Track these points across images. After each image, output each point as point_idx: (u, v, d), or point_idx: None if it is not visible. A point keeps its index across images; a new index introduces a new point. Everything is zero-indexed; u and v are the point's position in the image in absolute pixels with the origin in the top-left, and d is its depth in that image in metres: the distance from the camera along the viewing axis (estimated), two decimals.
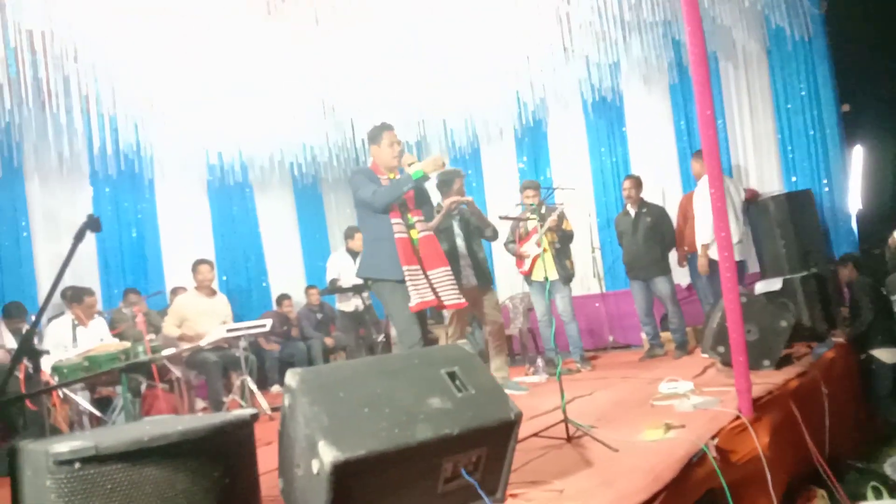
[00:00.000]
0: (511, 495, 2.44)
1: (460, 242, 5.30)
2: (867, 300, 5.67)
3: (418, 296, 3.88)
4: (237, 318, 6.70)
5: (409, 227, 4.04)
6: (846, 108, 7.13)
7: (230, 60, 6.20)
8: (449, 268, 4.13)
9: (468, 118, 8.63)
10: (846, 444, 4.53)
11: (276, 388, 7.09)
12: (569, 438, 3.24)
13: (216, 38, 5.91)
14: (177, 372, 5.48)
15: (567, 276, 6.16)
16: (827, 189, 7.03)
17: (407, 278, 3.88)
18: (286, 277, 9.45)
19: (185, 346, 5.63)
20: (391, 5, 6.09)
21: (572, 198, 6.51)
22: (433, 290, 3.96)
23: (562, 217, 6.03)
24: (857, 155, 7.19)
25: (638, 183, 6.43)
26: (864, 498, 3.67)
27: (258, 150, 8.45)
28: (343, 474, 1.98)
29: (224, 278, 8.70)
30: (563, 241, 6.09)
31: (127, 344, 5.04)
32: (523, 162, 9.12)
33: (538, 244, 6.07)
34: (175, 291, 7.27)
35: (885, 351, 5.59)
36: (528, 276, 6.26)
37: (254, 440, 1.57)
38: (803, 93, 7.16)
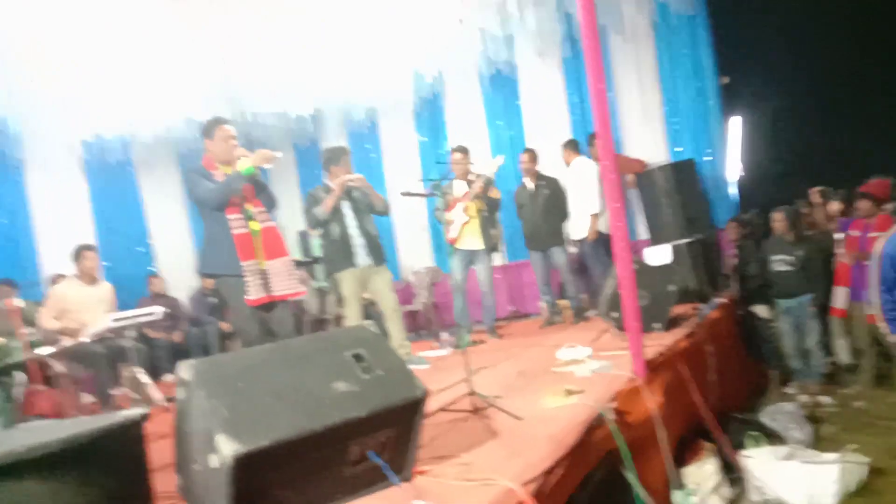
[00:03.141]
0: (419, 472, 2.44)
1: (351, 223, 5.20)
2: (752, 259, 6.08)
3: (255, 291, 3.92)
4: (122, 307, 6.31)
5: (249, 218, 4.02)
6: (725, 80, 7.53)
7: (109, 29, 5.76)
8: (289, 258, 4.17)
9: (365, 90, 8.45)
10: (729, 398, 4.86)
11: (168, 377, 6.79)
12: (474, 410, 3.28)
13: (94, 4, 5.46)
14: (59, 367, 5.09)
15: (491, 246, 6.16)
16: (709, 158, 7.43)
17: (245, 274, 3.90)
18: (176, 262, 9.01)
19: (67, 339, 5.25)
20: None
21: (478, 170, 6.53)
22: (269, 283, 3.99)
23: (488, 184, 5.99)
24: (736, 125, 7.64)
25: (534, 156, 6.54)
26: (746, 447, 3.96)
27: (141, 126, 7.92)
28: (244, 467, 1.90)
29: (106, 264, 8.15)
30: (490, 208, 6.08)
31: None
32: (423, 135, 9.07)
33: (465, 211, 6.02)
34: (55, 280, 6.75)
35: (763, 307, 6.03)
36: (454, 244, 6.15)
37: (144, 441, 1.46)
38: (687, 65, 7.47)
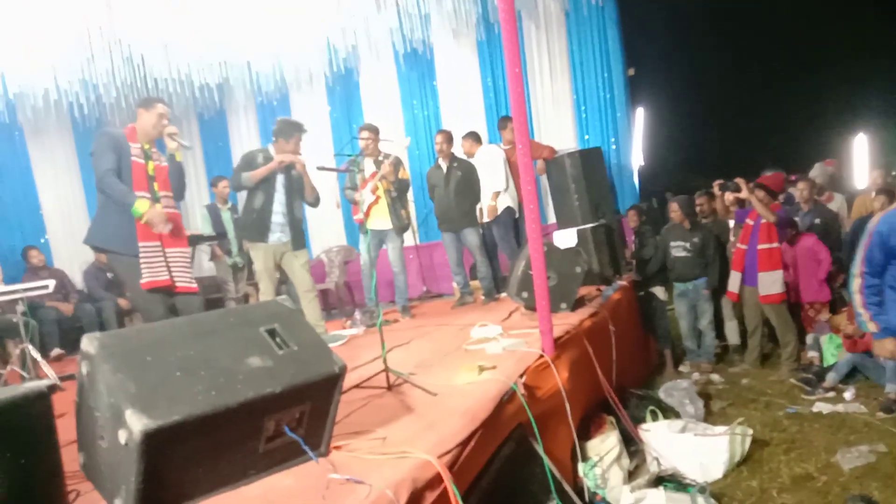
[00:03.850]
0: (335, 447, 2.43)
1: (279, 198, 5.08)
2: (651, 244, 6.39)
3: (150, 274, 3.84)
4: (10, 280, 5.89)
5: (155, 200, 3.96)
6: (632, 71, 7.83)
7: None
8: (187, 249, 4.15)
9: (276, 62, 8.21)
10: (630, 375, 5.11)
11: (57, 352, 6.42)
12: (389, 387, 3.29)
13: None
14: None
15: (401, 227, 6.15)
16: (614, 147, 7.72)
17: (141, 255, 3.83)
18: (69, 233, 8.49)
19: None
20: None
21: (390, 149, 6.50)
22: (168, 269, 3.93)
23: (397, 165, 5.98)
24: (640, 116, 7.97)
25: (449, 137, 6.57)
26: (645, 420, 4.18)
27: (29, 85, 7.36)
28: (155, 442, 1.83)
29: None
30: (399, 189, 6.05)
31: None
32: (336, 111, 8.92)
33: (373, 192, 5.98)
34: None
35: (660, 289, 6.36)
36: (362, 224, 6.12)
37: (52, 414, 1.38)
38: (596, 55, 7.70)
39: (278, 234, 5.06)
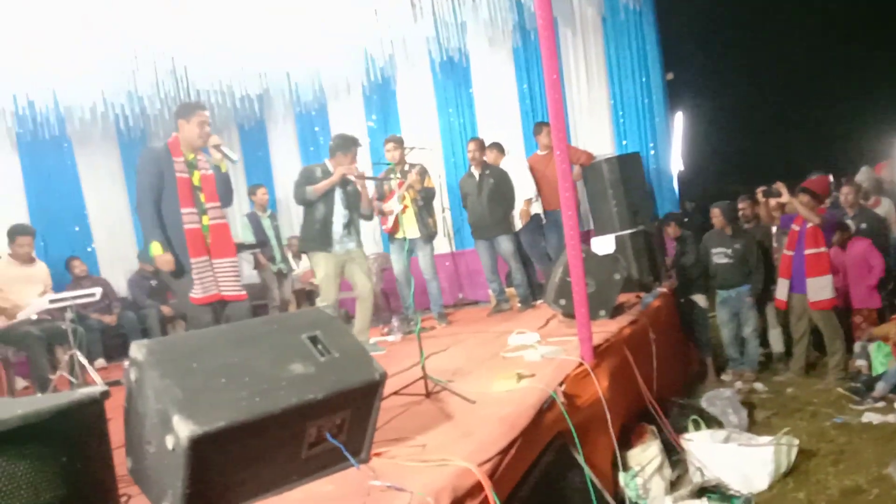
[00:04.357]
0: (375, 454, 2.44)
1: (339, 209, 5.19)
2: (692, 251, 6.29)
3: (202, 290, 3.88)
4: (56, 289, 6.07)
5: (202, 212, 3.98)
6: (670, 76, 7.72)
7: None
8: (235, 259, 4.16)
9: (314, 72, 8.32)
10: (670, 383, 5.03)
11: (101, 361, 6.58)
12: (428, 394, 3.30)
13: None
14: None
15: (429, 234, 6.24)
16: (653, 152, 7.62)
17: (193, 271, 3.87)
18: (114, 242, 8.72)
19: (1, 319, 5.02)
20: None
21: (423, 158, 6.56)
22: (216, 282, 3.97)
23: (423, 174, 6.06)
24: (679, 120, 7.86)
25: (482, 145, 6.58)
26: (687, 430, 4.11)
27: (77, 99, 7.60)
28: (201, 448, 1.87)
29: (43, 244, 7.82)
30: (425, 198, 6.12)
31: None
32: (372, 120, 8.99)
33: (401, 201, 6.06)
34: None
35: (701, 297, 6.25)
36: (391, 233, 6.25)
37: (105, 419, 1.42)
38: (634, 60, 7.62)
39: (341, 243, 5.17)
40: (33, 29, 5.88)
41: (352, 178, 5.18)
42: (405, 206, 6.06)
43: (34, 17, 5.74)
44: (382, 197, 6.10)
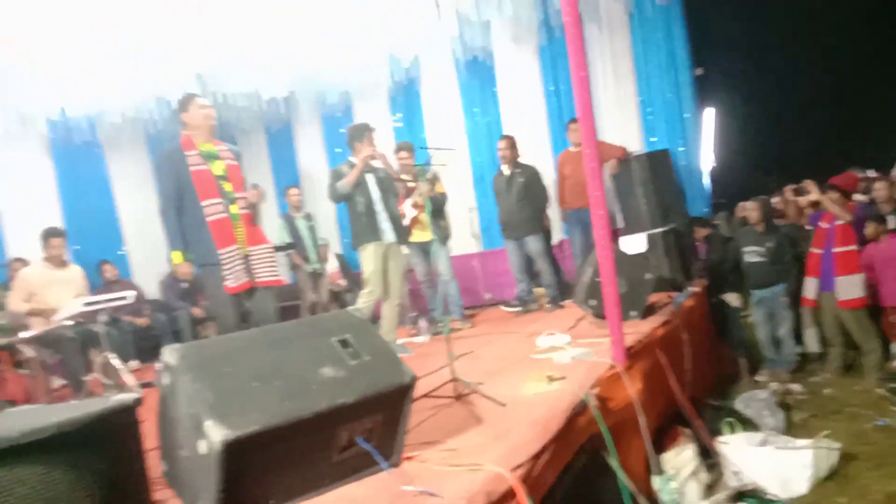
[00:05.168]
0: (406, 458, 2.42)
1: (376, 198, 5.17)
2: (721, 250, 6.18)
3: (233, 279, 3.84)
4: (91, 291, 6.16)
5: (230, 202, 3.93)
6: (699, 71, 7.59)
7: (74, 3, 5.56)
8: (270, 245, 4.12)
9: (340, 74, 8.34)
10: (704, 385, 4.94)
11: (134, 363, 6.66)
12: (457, 397, 3.27)
13: None
14: (29, 352, 4.94)
15: (443, 237, 6.25)
16: (682, 149, 7.50)
17: (223, 261, 3.82)
18: (145, 245, 8.83)
19: (36, 321, 5.10)
20: None
21: (448, 158, 6.51)
22: (249, 270, 3.92)
23: (434, 180, 6.08)
24: (709, 116, 7.73)
25: (512, 143, 6.53)
26: (722, 433, 4.03)
27: (108, 104, 7.71)
28: (233, 452, 1.86)
29: (77, 247, 7.95)
30: (436, 203, 6.13)
31: None
32: (398, 120, 8.99)
33: (414, 206, 6.10)
34: (13, 264, 6.54)
35: (733, 296, 6.13)
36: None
37: (138, 426, 1.42)
38: (662, 56, 7.51)
39: (388, 231, 5.15)
40: (65, 36, 5.97)
41: (376, 163, 5.15)
42: (419, 211, 6.09)
43: (66, 24, 5.83)
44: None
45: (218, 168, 3.93)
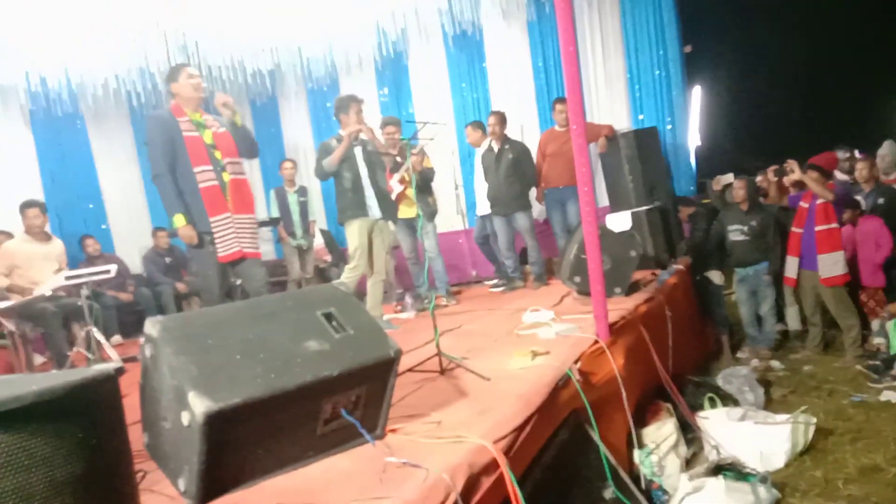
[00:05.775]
0: (391, 431, 2.44)
1: (363, 173, 5.13)
2: (703, 227, 6.21)
3: (224, 248, 3.84)
4: (72, 267, 6.10)
5: (221, 169, 3.92)
6: (688, 48, 7.56)
7: None
8: (254, 216, 4.11)
9: (326, 47, 8.23)
10: (686, 361, 5.00)
11: (117, 338, 6.62)
12: (442, 371, 3.29)
13: None
14: (9, 325, 4.90)
15: (430, 213, 6.23)
16: (670, 127, 7.50)
17: (214, 230, 3.82)
18: (128, 219, 8.75)
19: (16, 297, 5.05)
20: None
21: (435, 133, 6.47)
22: (238, 238, 3.91)
23: (422, 155, 6.04)
24: (696, 94, 7.73)
25: (502, 119, 6.48)
26: (702, 408, 4.08)
27: (89, 75, 7.57)
28: (217, 424, 1.86)
29: (57, 220, 7.86)
30: (423, 178, 6.09)
31: None
32: (384, 94, 8.92)
33: (400, 182, 6.08)
34: None
35: (716, 273, 6.18)
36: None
37: (119, 395, 1.42)
38: (651, 33, 7.48)
39: (374, 208, 5.12)
40: (44, 5, 5.84)
41: (363, 136, 5.10)
42: (406, 187, 6.06)
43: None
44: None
45: (207, 137, 3.94)
